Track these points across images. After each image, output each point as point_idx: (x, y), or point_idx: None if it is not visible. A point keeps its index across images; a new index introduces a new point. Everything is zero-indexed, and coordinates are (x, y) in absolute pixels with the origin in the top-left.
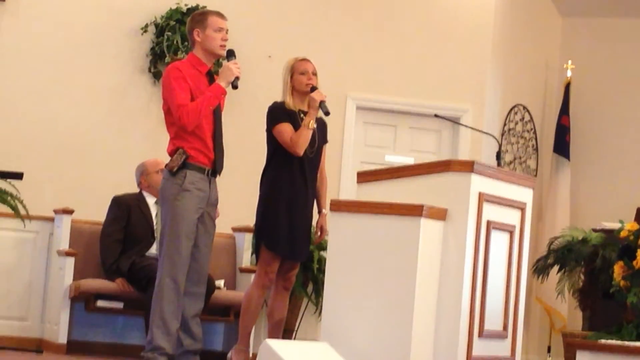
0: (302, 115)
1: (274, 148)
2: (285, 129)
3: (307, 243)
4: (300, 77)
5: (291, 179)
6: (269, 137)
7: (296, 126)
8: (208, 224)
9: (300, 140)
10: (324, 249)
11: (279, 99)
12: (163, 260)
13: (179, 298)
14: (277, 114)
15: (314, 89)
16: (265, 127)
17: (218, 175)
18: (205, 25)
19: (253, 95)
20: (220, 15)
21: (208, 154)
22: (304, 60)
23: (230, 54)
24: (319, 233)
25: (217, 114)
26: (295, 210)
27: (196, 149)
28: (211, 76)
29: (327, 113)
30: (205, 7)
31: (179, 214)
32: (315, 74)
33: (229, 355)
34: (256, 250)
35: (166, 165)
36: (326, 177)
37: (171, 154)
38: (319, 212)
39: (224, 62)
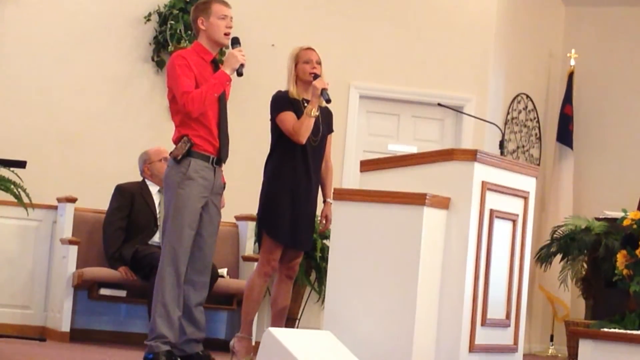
0: (305, 104)
1: (277, 137)
2: (287, 118)
3: (311, 232)
4: (304, 66)
5: (294, 168)
6: (272, 125)
7: (299, 115)
8: (213, 212)
9: (302, 129)
10: (327, 237)
11: (282, 87)
12: (165, 249)
13: (180, 287)
14: (281, 102)
15: (316, 77)
16: (269, 115)
17: (223, 164)
18: (210, 14)
19: (256, 83)
20: (224, 3)
21: (213, 142)
22: (309, 49)
23: (235, 42)
24: (324, 222)
25: (222, 102)
26: (298, 199)
27: (201, 136)
28: (216, 64)
29: (328, 101)
30: None
31: (183, 202)
32: (319, 63)
33: (231, 343)
34: (258, 238)
35: (171, 153)
36: (332, 166)
37: (176, 142)
38: (324, 201)
39: (229, 50)
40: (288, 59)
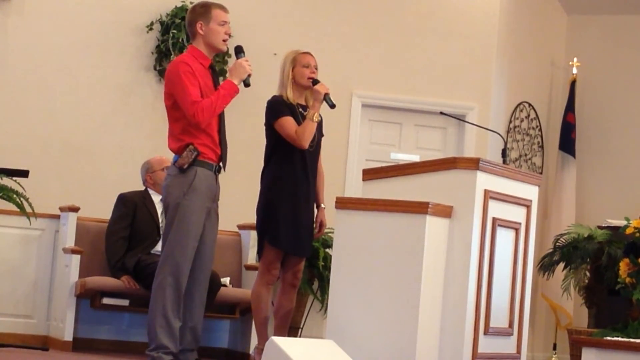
0: (300, 109)
1: (275, 143)
2: (288, 123)
3: (311, 238)
4: (302, 70)
5: (293, 173)
6: (269, 131)
7: (295, 120)
8: (214, 220)
9: (305, 134)
10: (330, 246)
11: None
12: (166, 259)
13: (181, 297)
14: (278, 107)
15: (315, 82)
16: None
17: (223, 171)
18: (209, 18)
19: (257, 92)
20: (223, 8)
21: (216, 150)
22: (306, 53)
23: (240, 50)
24: (318, 228)
25: None
26: (298, 205)
27: (205, 145)
28: (213, 70)
29: (332, 106)
30: None
31: (188, 213)
32: (317, 68)
33: (252, 354)
34: (259, 247)
35: (175, 163)
36: (323, 171)
37: (177, 150)
38: (318, 206)
39: (235, 59)
40: (284, 61)
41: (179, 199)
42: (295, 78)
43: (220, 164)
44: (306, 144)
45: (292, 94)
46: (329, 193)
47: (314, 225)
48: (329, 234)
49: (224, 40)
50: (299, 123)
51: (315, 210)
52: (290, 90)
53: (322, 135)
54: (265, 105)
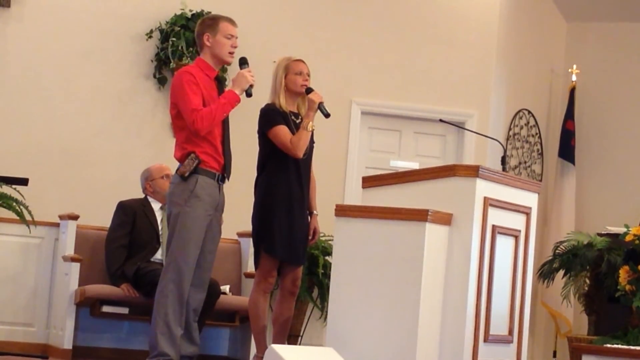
0: (292, 117)
1: (268, 151)
2: (283, 132)
3: (306, 246)
4: (295, 78)
5: (288, 182)
6: (262, 140)
7: (289, 128)
8: (215, 230)
9: (300, 143)
10: (329, 253)
11: None
12: (169, 266)
13: (183, 305)
14: (273, 116)
15: (309, 90)
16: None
17: (227, 180)
18: (217, 31)
19: (257, 100)
20: (231, 21)
21: (219, 159)
22: (299, 60)
23: (244, 62)
24: (311, 234)
25: (225, 119)
26: (293, 213)
27: (208, 153)
28: (219, 81)
29: (327, 115)
30: (209, 12)
31: (189, 220)
32: (309, 75)
33: None
34: (255, 255)
35: (177, 170)
36: (315, 178)
37: (180, 158)
38: (310, 213)
39: (238, 70)
40: (277, 69)
41: (180, 206)
42: (287, 85)
43: (224, 173)
44: (301, 153)
45: (284, 101)
46: (329, 201)
47: (309, 232)
48: (329, 242)
49: (230, 53)
50: (292, 131)
51: (308, 217)
52: (282, 97)
53: (314, 143)
54: (259, 113)
